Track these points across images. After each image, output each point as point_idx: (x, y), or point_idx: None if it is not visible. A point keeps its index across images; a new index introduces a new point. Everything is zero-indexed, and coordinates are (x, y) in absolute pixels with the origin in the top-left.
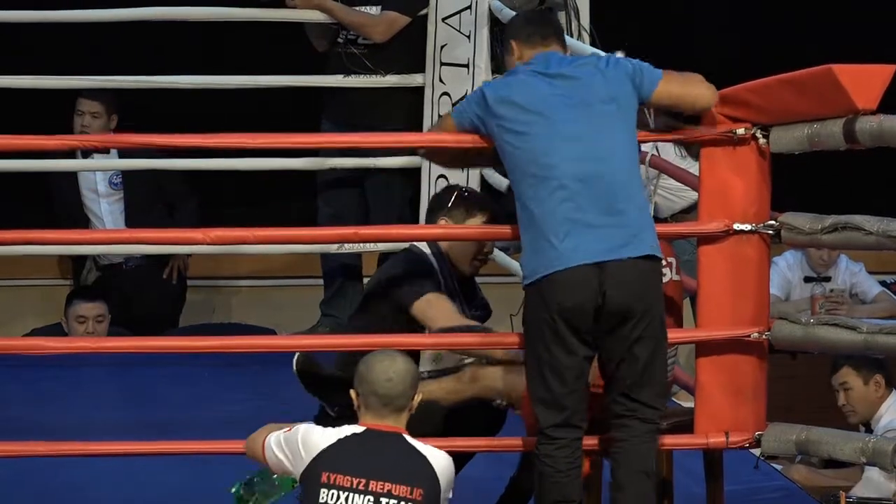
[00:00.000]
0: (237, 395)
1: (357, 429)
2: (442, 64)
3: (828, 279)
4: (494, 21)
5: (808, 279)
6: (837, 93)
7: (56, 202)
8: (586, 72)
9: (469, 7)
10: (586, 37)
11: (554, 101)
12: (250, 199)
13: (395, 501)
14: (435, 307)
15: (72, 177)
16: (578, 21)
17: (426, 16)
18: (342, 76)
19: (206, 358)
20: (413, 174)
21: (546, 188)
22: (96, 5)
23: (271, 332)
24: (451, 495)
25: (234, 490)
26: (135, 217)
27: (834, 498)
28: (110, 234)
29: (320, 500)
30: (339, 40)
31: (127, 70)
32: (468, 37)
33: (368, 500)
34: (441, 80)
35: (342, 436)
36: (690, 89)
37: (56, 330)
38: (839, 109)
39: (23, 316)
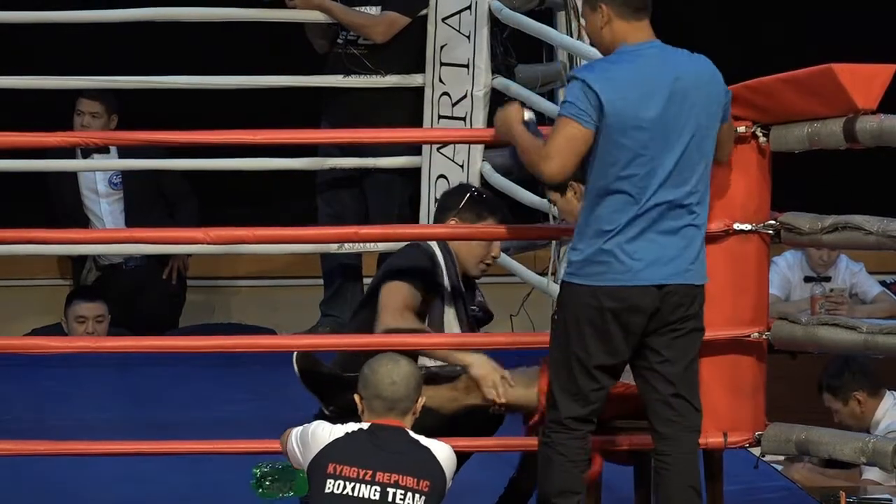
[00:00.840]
0: (237, 395)
1: (363, 425)
2: (442, 64)
3: (828, 279)
4: (494, 21)
5: (808, 279)
6: (838, 92)
7: (56, 202)
8: (692, 88)
9: (469, 7)
10: (586, 37)
11: (663, 128)
12: (250, 200)
13: (402, 492)
14: (394, 293)
15: (72, 177)
16: (578, 21)
17: (426, 16)
18: (342, 76)
19: (206, 358)
20: (413, 174)
21: (631, 206)
22: (96, 5)
23: (271, 333)
24: (450, 484)
25: (255, 469)
26: (135, 217)
27: (834, 498)
28: (111, 233)
29: (326, 490)
30: (339, 41)
31: (127, 70)
32: (468, 37)
33: (375, 491)
34: (441, 81)
35: (349, 430)
36: (732, 143)
37: (56, 330)
38: (839, 109)
39: (23, 316)
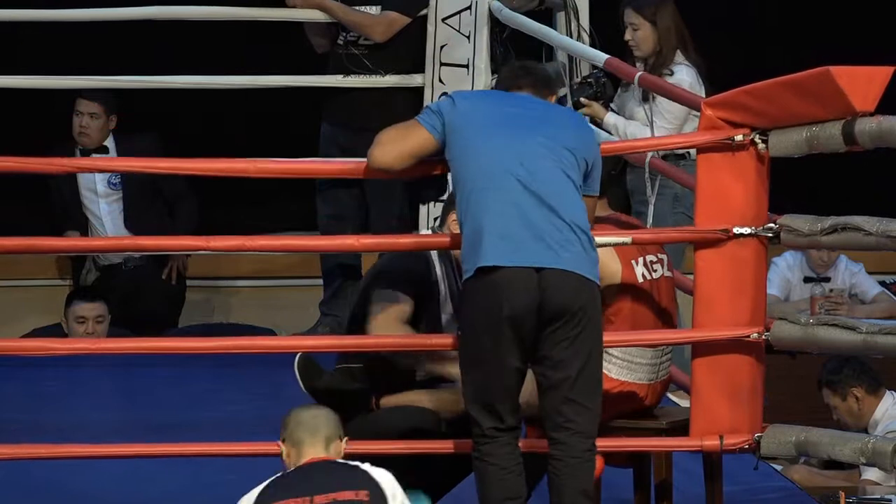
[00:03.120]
0: (237, 395)
1: (288, 471)
2: (442, 64)
3: (827, 279)
4: (494, 21)
5: (807, 279)
6: (836, 95)
7: (55, 202)
8: (553, 122)
9: (469, 7)
10: (585, 37)
11: (515, 129)
12: (250, 199)
13: None
14: (384, 308)
15: (71, 177)
16: (578, 21)
17: (426, 16)
18: (342, 76)
19: (206, 358)
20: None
21: (501, 204)
22: (96, 5)
23: (271, 333)
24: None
25: None
26: (134, 217)
27: (833, 498)
28: (113, 241)
29: None
30: (340, 41)
31: (127, 70)
32: (468, 37)
33: None
34: (441, 81)
35: (274, 477)
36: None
37: (56, 330)
38: (838, 112)
39: (23, 316)
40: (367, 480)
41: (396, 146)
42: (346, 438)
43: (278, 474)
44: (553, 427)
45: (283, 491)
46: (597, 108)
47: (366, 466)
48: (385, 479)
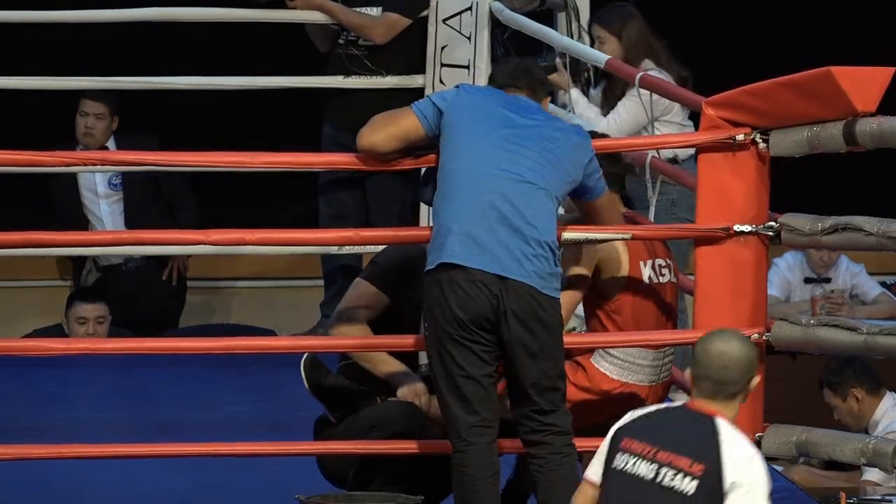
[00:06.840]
0: (237, 396)
1: (676, 404)
2: (442, 65)
3: (828, 280)
4: (495, 22)
5: (808, 280)
6: (837, 95)
7: (56, 203)
8: (544, 131)
9: (469, 8)
10: (586, 38)
11: (500, 128)
12: (250, 200)
13: (673, 472)
14: (356, 289)
15: (71, 178)
16: (578, 22)
17: (427, 17)
18: (343, 77)
19: (206, 359)
20: (414, 176)
21: (469, 209)
22: (97, 6)
23: (271, 333)
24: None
25: None
26: (134, 218)
27: (834, 499)
28: (112, 235)
29: (613, 465)
30: (340, 41)
31: (128, 71)
32: (468, 38)
33: (652, 469)
34: (441, 82)
35: (654, 409)
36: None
37: (56, 331)
38: (839, 112)
39: (23, 317)
40: (713, 456)
41: (384, 128)
42: (756, 379)
43: (666, 405)
44: (529, 432)
45: (645, 430)
46: (567, 78)
47: (730, 442)
48: (737, 463)
